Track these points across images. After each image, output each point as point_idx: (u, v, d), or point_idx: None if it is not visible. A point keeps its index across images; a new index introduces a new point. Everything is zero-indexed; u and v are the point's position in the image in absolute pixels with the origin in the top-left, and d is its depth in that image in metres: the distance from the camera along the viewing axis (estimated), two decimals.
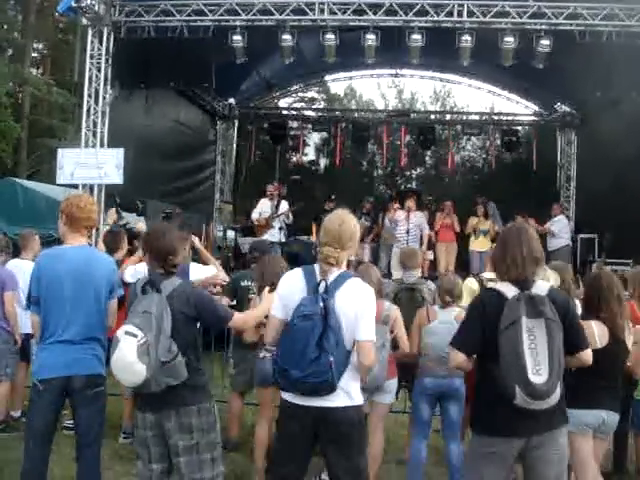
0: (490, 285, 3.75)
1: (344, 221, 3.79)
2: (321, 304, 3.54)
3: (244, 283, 6.92)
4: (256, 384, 6.07)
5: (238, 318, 4.18)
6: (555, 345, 3.41)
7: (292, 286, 3.77)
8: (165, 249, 4.03)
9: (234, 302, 6.84)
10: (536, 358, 3.37)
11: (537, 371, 3.35)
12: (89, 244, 4.68)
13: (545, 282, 3.72)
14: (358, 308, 3.65)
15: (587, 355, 3.70)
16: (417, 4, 11.65)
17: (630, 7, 11.16)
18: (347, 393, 3.65)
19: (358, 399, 3.73)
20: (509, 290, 3.59)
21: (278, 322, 3.82)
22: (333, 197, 15.38)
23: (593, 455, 4.67)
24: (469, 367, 3.77)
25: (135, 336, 3.65)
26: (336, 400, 3.60)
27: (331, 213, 3.94)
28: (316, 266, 3.78)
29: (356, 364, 3.69)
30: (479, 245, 13.78)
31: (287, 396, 3.70)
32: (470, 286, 6.18)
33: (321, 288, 3.63)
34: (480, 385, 3.75)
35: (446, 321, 5.50)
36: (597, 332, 4.58)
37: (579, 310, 4.83)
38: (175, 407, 3.86)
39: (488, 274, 6.46)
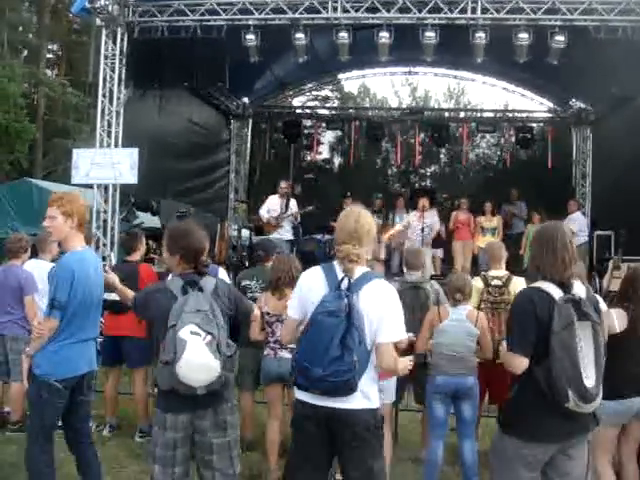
0: (536, 284, 3.66)
1: (360, 217, 3.71)
2: (345, 301, 3.45)
3: (244, 282, 6.93)
4: (262, 382, 6.10)
5: (257, 314, 4.33)
6: (600, 348, 3.40)
7: (312, 284, 3.69)
8: (196, 248, 4.00)
9: None
10: (584, 361, 3.34)
11: (587, 375, 3.34)
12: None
13: (580, 284, 3.64)
14: (382, 309, 3.57)
15: None
16: (430, 1, 11.60)
17: None
18: (365, 394, 3.55)
19: (375, 401, 3.65)
20: (555, 291, 3.52)
21: (295, 323, 3.79)
22: (349, 194, 15.37)
23: (633, 440, 4.89)
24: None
25: (199, 335, 3.62)
26: (353, 401, 3.51)
27: (343, 213, 3.83)
28: (335, 264, 3.70)
29: (375, 365, 3.65)
30: (485, 243, 13.68)
31: (302, 396, 3.62)
32: (475, 284, 6.13)
33: (344, 285, 3.54)
34: (519, 386, 3.61)
35: (457, 319, 5.50)
36: (616, 317, 4.75)
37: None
38: (213, 405, 3.84)
39: (494, 272, 6.43)
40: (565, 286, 3.54)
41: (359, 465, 3.59)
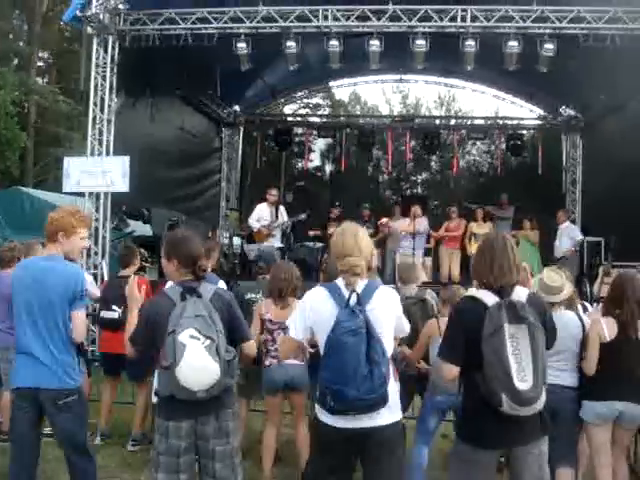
0: (469, 293, 3.74)
1: (358, 233, 3.77)
2: (361, 317, 3.45)
3: (249, 295, 6.93)
4: (264, 392, 6.09)
5: (252, 345, 4.17)
6: (539, 349, 3.42)
7: (319, 306, 3.66)
8: (194, 254, 4.00)
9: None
10: (520, 364, 3.37)
11: (522, 377, 3.36)
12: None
13: (523, 288, 3.71)
14: (394, 313, 3.67)
15: None
16: (421, 9, 11.68)
17: (634, 10, 11.12)
18: (389, 408, 3.54)
19: (399, 413, 3.67)
20: (489, 298, 3.59)
21: (297, 344, 3.79)
22: (337, 204, 15.41)
23: (618, 444, 4.96)
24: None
25: (198, 339, 3.63)
26: (382, 417, 3.51)
27: (340, 227, 3.89)
28: (337, 282, 3.71)
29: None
30: (475, 248, 13.73)
31: (328, 419, 3.56)
32: None
33: (353, 301, 3.54)
34: (464, 394, 3.72)
35: None
36: (605, 327, 4.86)
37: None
38: (215, 411, 3.84)
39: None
40: (503, 292, 3.58)
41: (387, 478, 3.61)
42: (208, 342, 3.63)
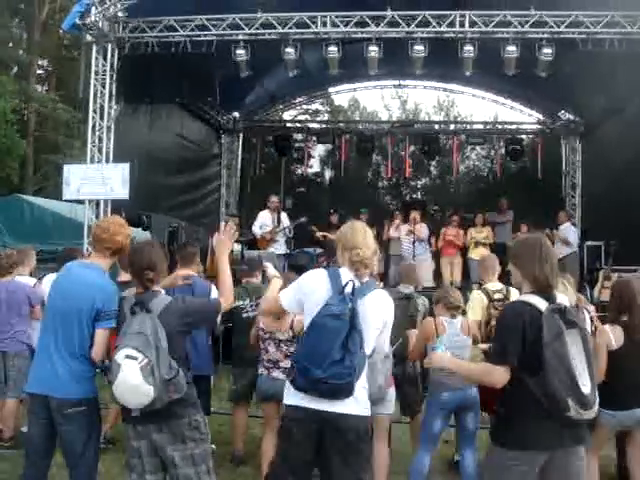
0: (522, 298, 3.69)
1: (367, 233, 3.87)
2: (349, 305, 3.51)
3: (237, 302, 6.92)
4: (257, 399, 6.12)
5: (221, 303, 4.19)
6: (590, 355, 3.43)
7: (315, 286, 3.74)
8: (141, 264, 4.02)
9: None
10: (578, 369, 3.36)
11: (582, 382, 3.36)
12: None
13: (560, 293, 3.70)
14: (382, 319, 3.69)
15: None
16: (419, 15, 11.73)
17: (631, 14, 11.17)
18: (358, 400, 3.61)
19: (367, 409, 3.70)
20: (540, 303, 3.54)
21: (281, 309, 3.99)
22: (332, 210, 15.45)
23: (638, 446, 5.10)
24: None
25: (135, 359, 3.67)
26: (347, 406, 3.56)
27: (348, 225, 3.98)
28: (340, 270, 3.78)
29: (380, 380, 3.71)
30: (477, 254, 13.70)
31: (294, 401, 3.65)
32: (479, 299, 6.22)
33: (348, 290, 3.60)
34: (511, 398, 3.58)
35: (454, 333, 5.52)
36: (612, 335, 4.96)
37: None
38: (165, 421, 3.88)
39: (492, 285, 6.49)
40: (549, 296, 3.57)
41: (349, 475, 3.59)
42: (145, 362, 3.66)
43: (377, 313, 3.66)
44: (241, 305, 6.78)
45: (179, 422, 3.91)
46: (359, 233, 3.83)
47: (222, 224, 4.34)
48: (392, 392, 5.56)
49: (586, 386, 3.36)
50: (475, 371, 3.79)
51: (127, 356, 3.67)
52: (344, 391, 3.49)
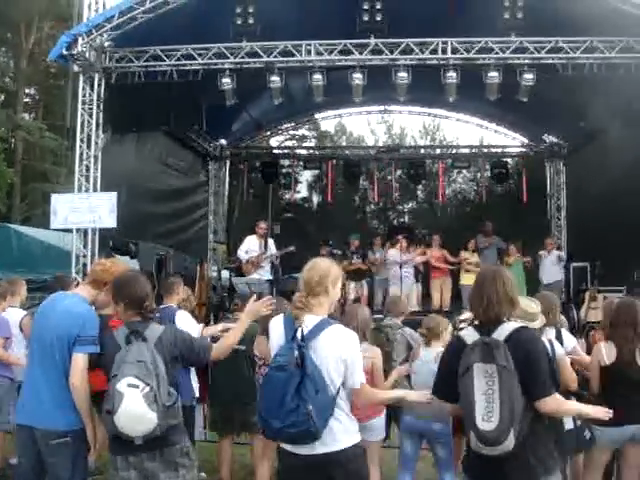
0: (459, 332, 3.83)
1: (313, 266, 3.81)
2: (296, 353, 3.50)
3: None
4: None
5: (214, 349, 4.25)
6: (505, 392, 3.36)
7: (275, 334, 3.81)
8: (139, 296, 4.07)
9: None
10: (490, 404, 3.36)
11: (488, 418, 3.35)
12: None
13: (514, 323, 3.64)
14: (343, 356, 3.62)
15: (545, 405, 3.50)
16: (402, 43, 11.89)
17: (609, 39, 11.40)
18: (340, 434, 3.60)
19: (357, 435, 3.71)
20: (471, 336, 3.63)
21: (267, 352, 4.04)
22: (329, 242, 15.53)
23: (632, 464, 5.16)
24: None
25: (137, 387, 3.70)
26: (338, 443, 3.58)
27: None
28: None
29: (350, 403, 3.72)
30: (469, 280, 13.81)
31: (287, 446, 3.67)
32: (450, 327, 6.33)
33: (298, 335, 3.60)
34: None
35: (426, 360, 5.58)
36: (605, 351, 5.13)
37: (567, 343, 5.28)
38: (159, 448, 3.89)
39: (465, 315, 6.56)
40: (485, 328, 3.61)
41: None
42: (147, 389, 3.71)
43: (334, 350, 3.59)
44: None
45: (172, 449, 3.93)
46: (304, 271, 3.81)
47: (268, 297, 4.32)
48: (376, 421, 5.60)
49: (490, 422, 3.34)
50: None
51: (129, 385, 3.69)
52: (306, 437, 3.50)
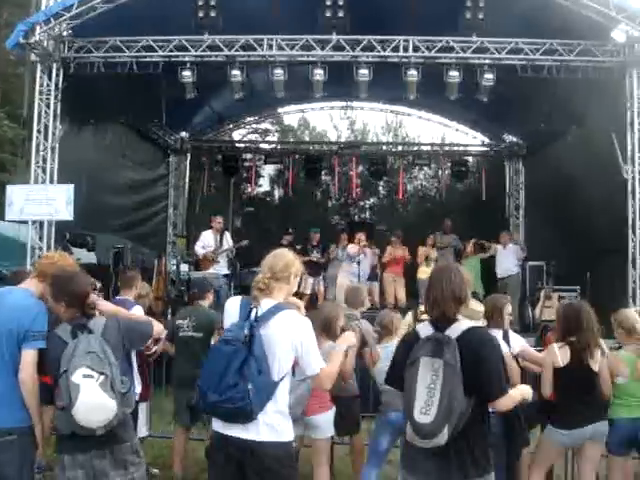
0: (418, 325, 3.87)
1: (278, 253, 3.94)
2: (246, 331, 3.56)
3: (178, 322, 7.00)
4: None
5: (155, 326, 4.37)
6: (446, 388, 3.40)
7: (230, 312, 3.86)
8: (81, 292, 4.07)
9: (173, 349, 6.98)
10: (431, 398, 3.40)
11: (426, 411, 3.39)
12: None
13: (468, 322, 3.69)
14: (295, 341, 3.67)
15: (499, 404, 3.58)
16: (364, 40, 11.91)
17: (569, 42, 11.55)
18: (272, 428, 3.62)
19: (286, 435, 3.71)
20: (425, 330, 3.69)
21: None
22: (290, 230, 15.47)
23: (590, 460, 5.35)
24: None
25: (92, 377, 3.68)
26: (261, 434, 3.59)
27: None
28: None
29: (289, 401, 3.73)
30: (426, 273, 13.89)
31: (216, 426, 3.71)
32: (408, 318, 6.36)
33: (252, 316, 3.67)
34: None
35: (385, 357, 5.62)
36: (558, 353, 5.22)
37: (514, 344, 5.35)
38: (109, 446, 3.87)
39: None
40: (441, 324, 3.65)
41: None
42: (102, 378, 3.71)
43: (284, 336, 3.65)
44: (180, 324, 6.85)
45: (122, 447, 3.92)
46: (268, 257, 3.92)
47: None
48: (324, 417, 5.61)
49: (427, 415, 3.38)
50: None
51: (85, 375, 3.67)
52: (240, 415, 3.53)
